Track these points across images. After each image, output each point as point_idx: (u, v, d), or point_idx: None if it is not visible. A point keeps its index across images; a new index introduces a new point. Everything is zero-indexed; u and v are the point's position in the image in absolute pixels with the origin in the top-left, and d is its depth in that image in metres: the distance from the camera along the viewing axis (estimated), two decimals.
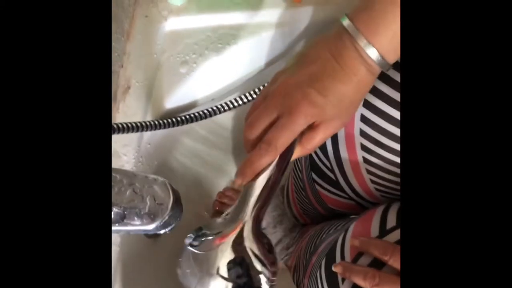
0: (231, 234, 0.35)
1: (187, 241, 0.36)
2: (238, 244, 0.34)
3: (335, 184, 0.52)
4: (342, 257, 0.43)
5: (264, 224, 0.70)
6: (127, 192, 0.38)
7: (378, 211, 0.44)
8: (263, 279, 0.34)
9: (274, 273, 0.35)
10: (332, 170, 0.51)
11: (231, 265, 0.34)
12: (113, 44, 0.59)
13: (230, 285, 0.34)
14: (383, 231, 0.41)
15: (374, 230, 0.42)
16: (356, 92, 0.36)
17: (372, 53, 0.35)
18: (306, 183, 0.59)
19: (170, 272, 0.69)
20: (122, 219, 0.38)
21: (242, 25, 0.62)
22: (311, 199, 0.60)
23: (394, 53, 0.35)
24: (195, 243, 0.35)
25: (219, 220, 0.37)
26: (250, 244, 0.34)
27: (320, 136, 0.37)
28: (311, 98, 0.35)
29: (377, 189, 0.47)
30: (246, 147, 0.39)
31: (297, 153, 0.38)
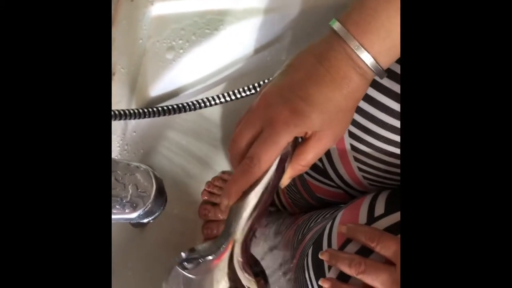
0: (221, 258, 0.33)
1: (178, 260, 0.34)
2: (231, 272, 0.33)
3: (323, 172, 0.51)
4: (329, 245, 0.43)
5: None
6: None
7: (367, 199, 0.43)
8: None
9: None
10: (319, 159, 0.50)
11: None
12: None
13: None
14: (371, 219, 0.41)
15: (362, 217, 0.42)
16: (346, 98, 0.33)
17: (364, 56, 0.32)
18: None
19: (156, 261, 0.68)
20: None
21: (231, 10, 0.60)
22: (299, 188, 0.59)
23: (387, 55, 0.33)
24: (189, 266, 0.34)
25: (208, 243, 0.36)
26: (240, 272, 0.33)
27: (311, 151, 0.34)
28: (293, 106, 0.33)
29: (364, 177, 0.47)
30: (231, 164, 0.36)
31: (289, 172, 0.35)
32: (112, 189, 0.37)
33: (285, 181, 0.36)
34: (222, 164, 0.81)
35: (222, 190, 0.35)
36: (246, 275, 0.33)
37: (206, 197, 0.75)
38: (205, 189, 0.78)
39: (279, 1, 0.60)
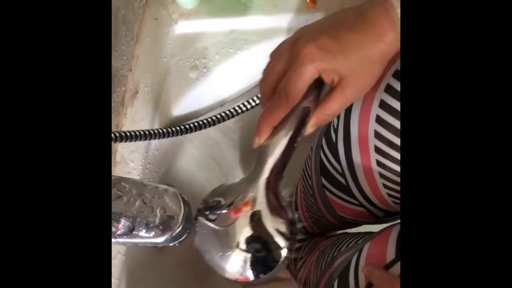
0: (247, 206, 0.34)
1: (201, 209, 0.35)
2: (255, 220, 0.33)
3: (346, 190, 0.50)
4: (356, 283, 0.41)
5: None
6: (136, 203, 0.37)
7: (394, 231, 0.42)
8: (283, 252, 0.33)
9: (293, 236, 0.34)
10: (343, 175, 0.49)
11: (250, 240, 0.33)
12: (122, 47, 0.57)
13: (249, 257, 0.33)
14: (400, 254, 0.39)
15: (390, 252, 0.40)
16: (376, 48, 0.33)
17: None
18: (315, 189, 0.57)
19: (174, 278, 0.68)
20: (130, 231, 0.36)
21: (255, 30, 0.60)
22: (320, 207, 0.58)
23: None
24: (212, 216, 0.34)
25: (234, 183, 0.36)
26: (266, 218, 0.33)
27: (336, 101, 0.34)
28: (320, 42, 0.32)
29: (389, 195, 0.45)
30: (262, 102, 0.36)
31: (313, 120, 0.35)
32: (140, 212, 0.37)
33: (309, 129, 0.36)
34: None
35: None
36: (276, 217, 0.33)
37: None
38: None
39: (303, 21, 0.60)
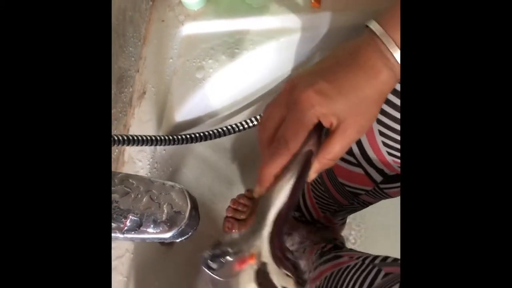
0: (252, 260, 0.32)
1: (204, 258, 0.33)
2: (262, 275, 0.31)
3: None
4: None
5: None
6: (144, 199, 0.37)
7: None
8: None
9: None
10: None
11: None
12: (129, 48, 0.58)
13: None
14: None
15: None
16: (372, 89, 0.33)
17: (395, 50, 0.32)
18: None
19: (181, 278, 0.68)
20: (138, 226, 0.37)
21: (260, 31, 0.61)
22: (322, 174, 0.57)
23: None
24: (214, 266, 0.32)
25: (237, 235, 0.34)
26: (273, 274, 0.31)
27: (337, 144, 0.33)
28: (317, 87, 0.32)
29: (384, 143, 0.45)
30: (261, 150, 0.36)
31: (316, 165, 0.34)
32: (147, 208, 0.37)
33: (312, 175, 0.35)
34: (247, 182, 0.81)
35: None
36: (283, 269, 0.32)
37: (230, 214, 0.75)
38: (229, 206, 0.78)
39: (309, 21, 0.60)
